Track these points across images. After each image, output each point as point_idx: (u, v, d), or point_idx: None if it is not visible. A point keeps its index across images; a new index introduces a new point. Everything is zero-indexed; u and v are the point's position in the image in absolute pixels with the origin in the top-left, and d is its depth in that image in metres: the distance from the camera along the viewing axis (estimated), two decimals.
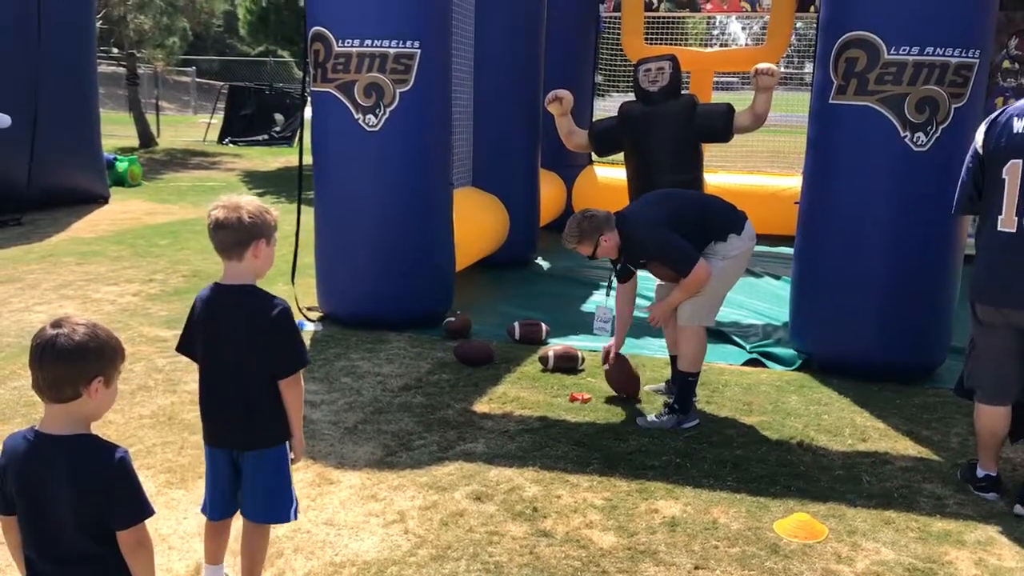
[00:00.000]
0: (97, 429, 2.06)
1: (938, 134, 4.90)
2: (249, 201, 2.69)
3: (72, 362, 1.93)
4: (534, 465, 3.97)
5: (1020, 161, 3.54)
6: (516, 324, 5.92)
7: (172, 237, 9.09)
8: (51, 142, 9.81)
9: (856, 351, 5.22)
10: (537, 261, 8.51)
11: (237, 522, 2.87)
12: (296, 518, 2.84)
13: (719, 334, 6.05)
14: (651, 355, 5.63)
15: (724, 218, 4.48)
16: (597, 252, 4.50)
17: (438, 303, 6.15)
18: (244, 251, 2.66)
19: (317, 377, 5.03)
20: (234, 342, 2.65)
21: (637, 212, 4.58)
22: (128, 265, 7.77)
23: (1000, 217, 3.60)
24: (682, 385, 4.58)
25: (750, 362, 5.56)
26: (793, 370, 5.37)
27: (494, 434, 4.32)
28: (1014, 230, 3.56)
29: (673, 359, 4.83)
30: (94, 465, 1.96)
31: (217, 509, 2.83)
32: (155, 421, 4.36)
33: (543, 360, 5.30)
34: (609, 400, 4.81)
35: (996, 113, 3.73)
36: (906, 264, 5.06)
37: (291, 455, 2.79)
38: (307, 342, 5.66)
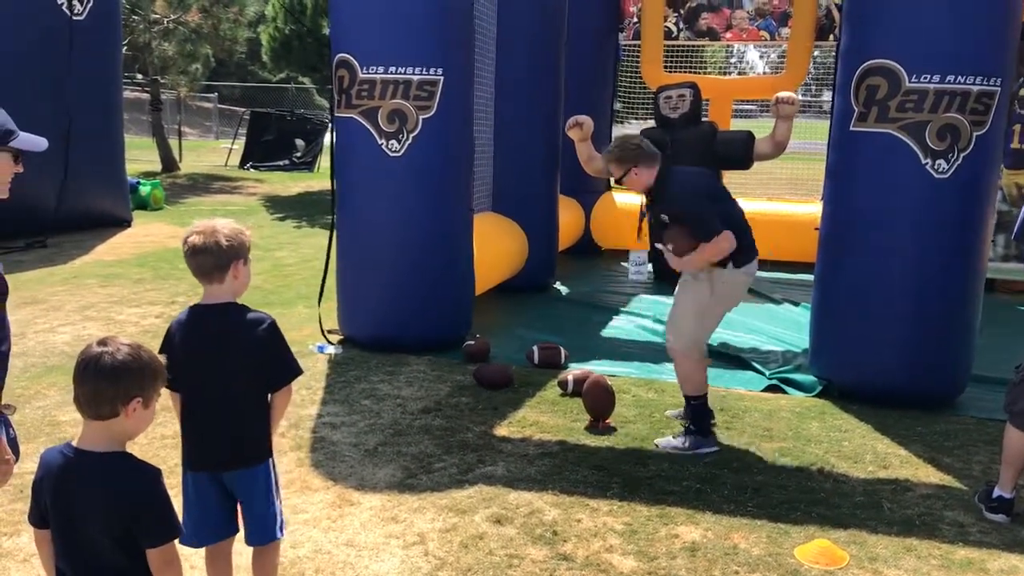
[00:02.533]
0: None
1: (959, 161, 4.91)
2: (224, 224, 2.71)
3: (112, 380, 1.98)
4: (554, 489, 3.97)
5: None
6: (535, 348, 5.93)
7: None
8: (77, 166, 9.97)
9: (877, 378, 5.20)
10: (556, 286, 8.53)
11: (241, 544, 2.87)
12: (282, 534, 2.83)
13: (739, 360, 6.05)
14: (670, 380, 5.62)
15: (745, 243, 4.49)
16: (625, 179, 4.50)
17: (458, 327, 6.18)
18: (224, 273, 2.69)
19: (337, 399, 5.06)
20: (222, 358, 2.67)
21: (687, 170, 4.56)
22: (150, 287, 7.85)
23: None
24: (691, 410, 4.58)
25: (770, 388, 5.55)
26: (813, 396, 5.35)
27: (514, 457, 4.32)
28: None
29: None
30: (127, 483, 2.00)
31: (206, 535, 2.80)
32: (176, 442, 4.35)
33: (562, 384, 5.31)
34: (629, 425, 4.81)
35: None
36: (927, 291, 5.05)
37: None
38: (327, 364, 5.70)
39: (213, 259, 2.66)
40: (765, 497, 3.96)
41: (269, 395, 2.75)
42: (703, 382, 4.58)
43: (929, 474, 4.29)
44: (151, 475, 2.02)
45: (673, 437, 4.55)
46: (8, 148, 2.44)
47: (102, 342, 2.03)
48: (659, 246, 4.57)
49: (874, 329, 5.15)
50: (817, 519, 3.76)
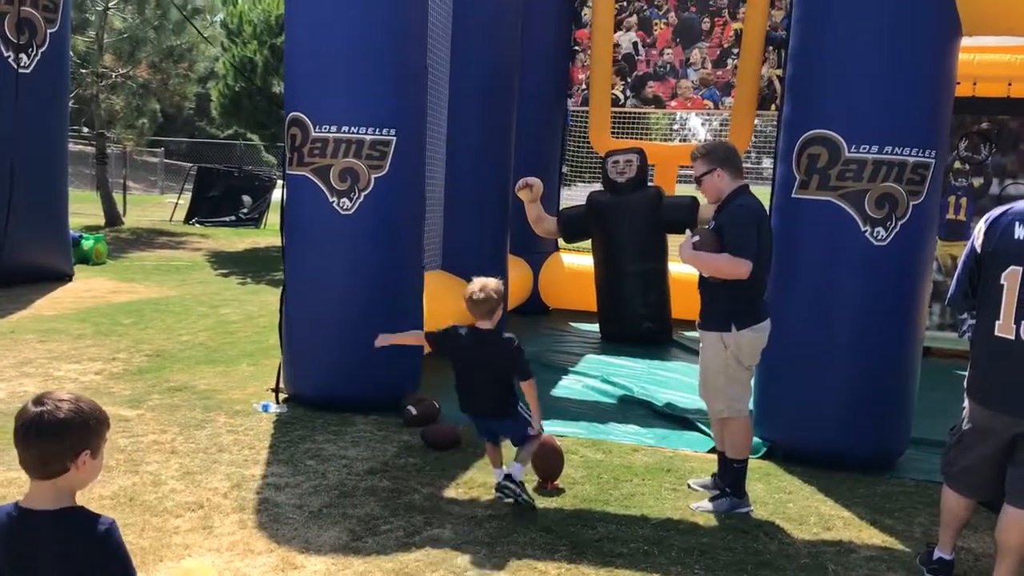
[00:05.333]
0: None
1: (897, 229, 5.07)
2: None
3: (58, 438, 1.94)
4: (502, 552, 3.93)
5: (1020, 269, 3.49)
6: None
7: (136, 316, 9.01)
8: (19, 219, 9.80)
9: (819, 440, 5.28)
10: None
11: None
12: None
13: (685, 421, 6.10)
14: (618, 440, 5.64)
15: (753, 304, 4.52)
16: (704, 179, 4.54)
17: (406, 386, 6.14)
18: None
19: (282, 459, 4.97)
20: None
21: (756, 201, 4.53)
22: (91, 343, 7.68)
23: (998, 322, 3.56)
24: (731, 473, 4.63)
25: (715, 449, 5.58)
26: (758, 458, 5.40)
27: (461, 520, 4.28)
28: (1012, 337, 3.51)
29: (720, 454, 4.81)
30: (83, 537, 1.96)
31: None
32: (116, 502, 4.27)
33: None
34: (576, 486, 4.80)
35: (998, 212, 3.66)
36: (867, 355, 5.17)
37: None
38: (272, 424, 5.61)
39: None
40: (712, 559, 3.97)
41: None
42: (748, 445, 4.65)
43: (872, 536, 4.34)
44: (105, 527, 1.99)
45: (708, 501, 4.59)
46: None
47: (38, 401, 1.98)
48: (688, 232, 4.56)
49: (816, 392, 5.25)
50: None
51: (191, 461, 4.84)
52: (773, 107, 10.18)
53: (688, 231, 4.60)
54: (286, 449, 5.15)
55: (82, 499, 4.17)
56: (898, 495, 4.93)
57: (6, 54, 9.79)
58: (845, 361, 5.20)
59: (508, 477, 4.41)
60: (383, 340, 4.70)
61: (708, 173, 4.53)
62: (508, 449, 4.64)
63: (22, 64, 9.93)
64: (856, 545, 4.22)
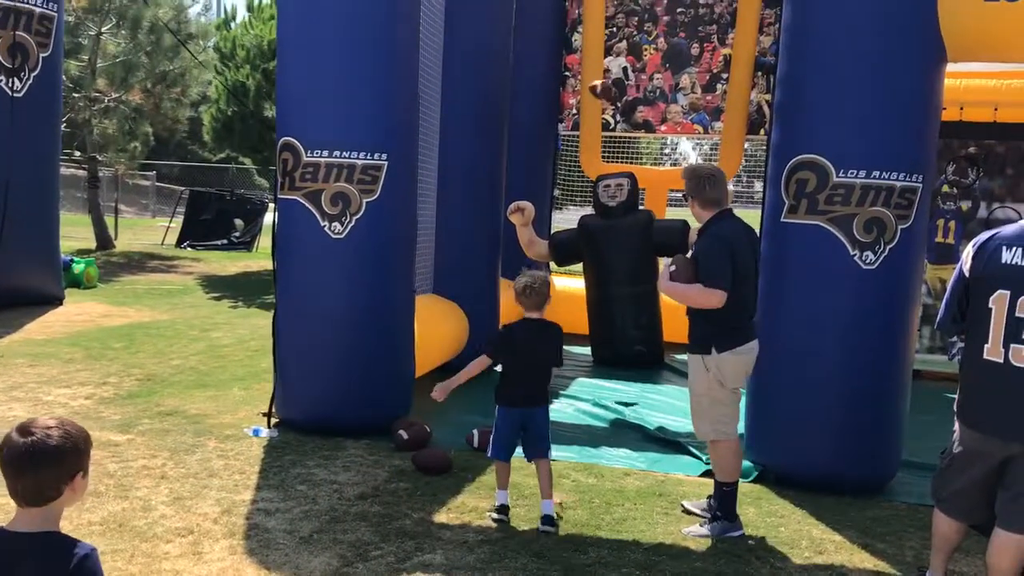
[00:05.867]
0: None
1: (886, 253, 5.10)
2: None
3: (55, 467, 1.95)
4: None
5: (1008, 292, 3.52)
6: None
7: (127, 340, 8.99)
8: (10, 242, 9.79)
9: (809, 464, 5.29)
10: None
11: None
12: None
13: (677, 445, 6.10)
14: (609, 464, 5.63)
15: (733, 325, 4.53)
16: (693, 202, 4.64)
17: (397, 410, 6.13)
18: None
19: (272, 484, 4.95)
20: None
21: (739, 226, 4.61)
22: (81, 367, 7.66)
23: (986, 346, 3.58)
24: (721, 496, 4.63)
25: (707, 473, 5.58)
26: (750, 482, 5.40)
27: (452, 545, 4.27)
28: (1000, 360, 3.53)
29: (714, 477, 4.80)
30: (62, 563, 1.94)
31: None
32: (105, 528, 4.24)
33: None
34: (568, 510, 4.79)
35: (985, 237, 3.70)
36: (857, 379, 5.19)
37: None
38: (262, 448, 5.59)
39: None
40: None
41: None
42: (737, 468, 4.65)
43: (864, 560, 4.34)
44: (84, 553, 1.99)
45: (700, 526, 4.58)
46: None
47: (24, 431, 1.96)
48: (666, 261, 4.65)
49: (807, 416, 5.26)
50: None
51: (181, 486, 4.82)
52: (762, 132, 10.25)
53: (667, 259, 4.66)
54: (277, 474, 5.13)
55: (72, 525, 4.17)
56: (889, 519, 4.94)
57: None
58: (835, 384, 5.22)
59: (549, 519, 4.48)
60: (442, 391, 4.74)
61: (686, 199, 4.66)
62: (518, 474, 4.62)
63: (15, 88, 9.95)
64: (848, 569, 4.22)
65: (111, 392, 6.87)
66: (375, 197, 5.84)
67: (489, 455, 4.72)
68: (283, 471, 5.19)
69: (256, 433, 5.89)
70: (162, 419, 6.14)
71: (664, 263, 4.66)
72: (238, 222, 21.19)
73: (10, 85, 9.90)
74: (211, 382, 7.34)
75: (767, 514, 4.91)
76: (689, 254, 4.62)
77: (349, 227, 5.82)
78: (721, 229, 4.55)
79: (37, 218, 10.50)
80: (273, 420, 6.13)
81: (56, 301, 10.96)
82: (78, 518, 4.31)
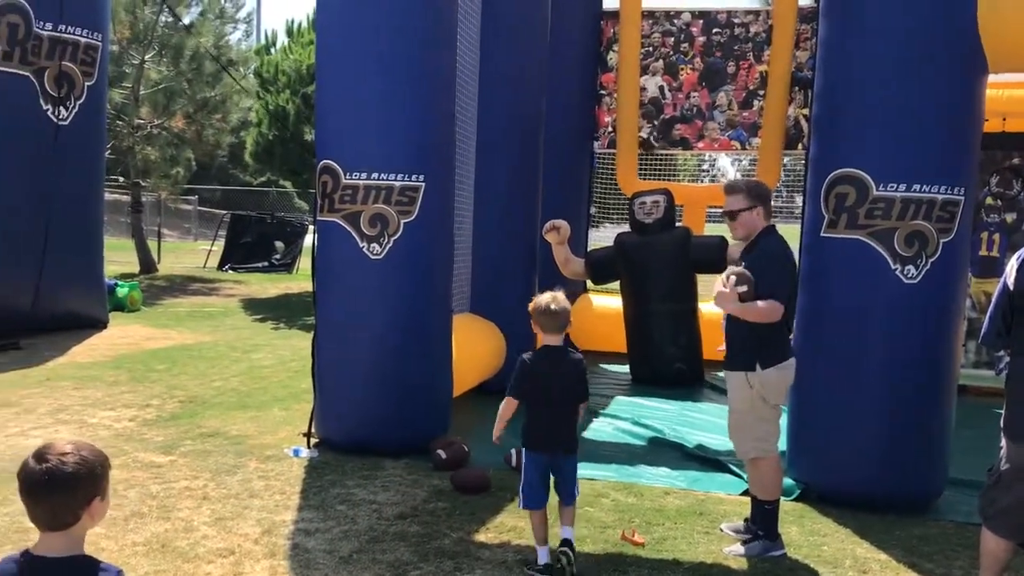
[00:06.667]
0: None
1: (928, 267, 5.03)
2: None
3: (71, 493, 1.96)
4: None
5: None
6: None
7: (169, 362, 9.11)
8: (56, 268, 9.99)
9: (853, 481, 5.21)
10: None
11: None
12: None
13: (717, 463, 6.04)
14: (649, 483, 5.59)
15: (776, 340, 4.50)
16: (740, 216, 4.55)
17: (435, 429, 6.14)
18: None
19: (312, 504, 4.98)
20: None
21: (783, 242, 4.57)
22: (125, 390, 7.77)
23: None
24: (762, 514, 4.58)
25: (748, 492, 5.51)
26: (792, 500, 5.33)
27: (491, 564, 4.25)
28: None
29: (753, 497, 4.74)
30: None
31: None
32: (148, 548, 4.29)
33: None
34: (608, 530, 4.75)
35: None
36: (901, 395, 5.10)
37: None
38: (303, 469, 5.63)
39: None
40: None
41: None
42: (778, 486, 4.60)
43: None
44: (112, 575, 1.99)
45: (741, 545, 4.53)
46: None
47: (40, 457, 1.97)
48: (723, 276, 4.52)
49: (850, 433, 5.18)
50: None
51: (223, 507, 4.86)
52: (800, 146, 10.18)
53: (724, 276, 4.52)
54: (316, 494, 5.16)
55: (117, 545, 4.22)
56: (936, 537, 4.83)
57: (46, 107, 10.05)
58: (879, 401, 5.14)
59: (568, 543, 4.17)
60: (495, 435, 4.44)
61: (748, 209, 4.56)
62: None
63: (61, 117, 10.19)
64: None
65: (154, 414, 6.96)
66: (412, 218, 5.88)
67: (521, 507, 4.29)
68: (323, 491, 5.22)
69: (296, 453, 5.93)
70: (204, 440, 6.20)
71: (720, 279, 4.55)
72: (279, 244, 21.42)
73: (56, 114, 10.13)
74: (252, 403, 7.41)
75: (810, 533, 4.84)
76: (737, 268, 4.53)
77: (387, 248, 5.86)
78: (779, 243, 4.54)
79: (83, 243, 10.71)
80: (313, 440, 6.17)
81: (101, 324, 11.15)
82: (122, 538, 4.37)
